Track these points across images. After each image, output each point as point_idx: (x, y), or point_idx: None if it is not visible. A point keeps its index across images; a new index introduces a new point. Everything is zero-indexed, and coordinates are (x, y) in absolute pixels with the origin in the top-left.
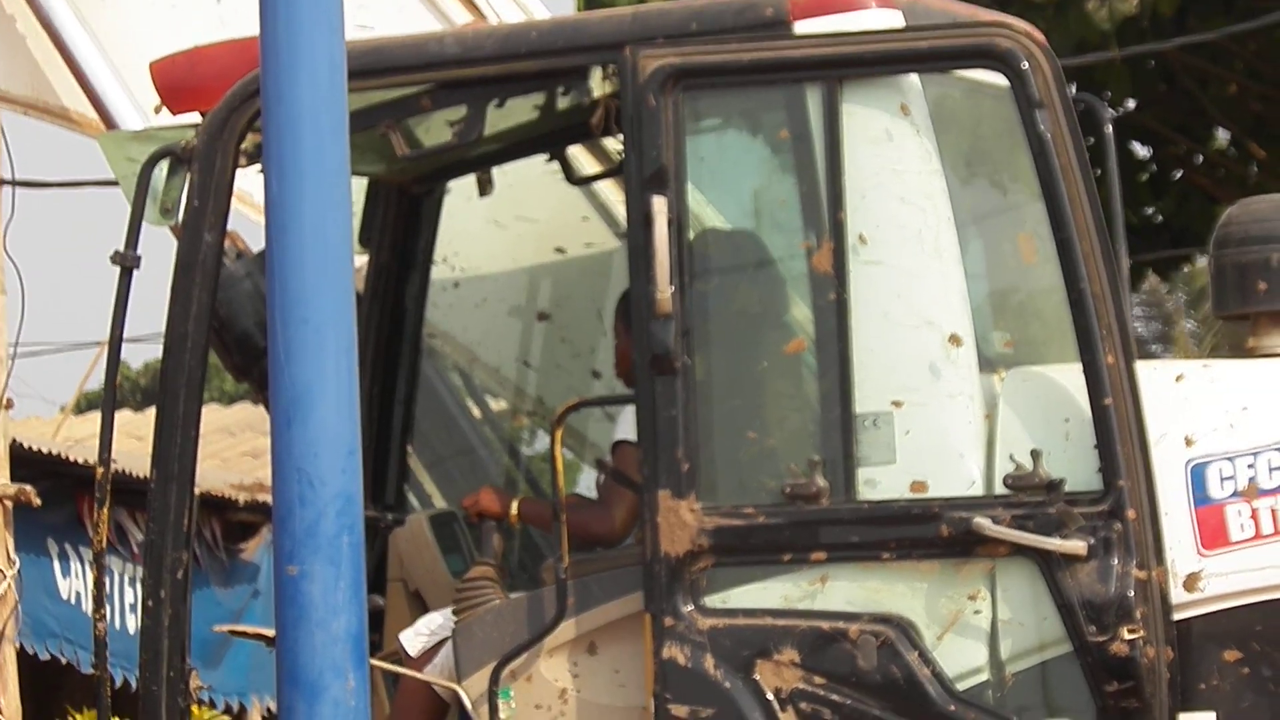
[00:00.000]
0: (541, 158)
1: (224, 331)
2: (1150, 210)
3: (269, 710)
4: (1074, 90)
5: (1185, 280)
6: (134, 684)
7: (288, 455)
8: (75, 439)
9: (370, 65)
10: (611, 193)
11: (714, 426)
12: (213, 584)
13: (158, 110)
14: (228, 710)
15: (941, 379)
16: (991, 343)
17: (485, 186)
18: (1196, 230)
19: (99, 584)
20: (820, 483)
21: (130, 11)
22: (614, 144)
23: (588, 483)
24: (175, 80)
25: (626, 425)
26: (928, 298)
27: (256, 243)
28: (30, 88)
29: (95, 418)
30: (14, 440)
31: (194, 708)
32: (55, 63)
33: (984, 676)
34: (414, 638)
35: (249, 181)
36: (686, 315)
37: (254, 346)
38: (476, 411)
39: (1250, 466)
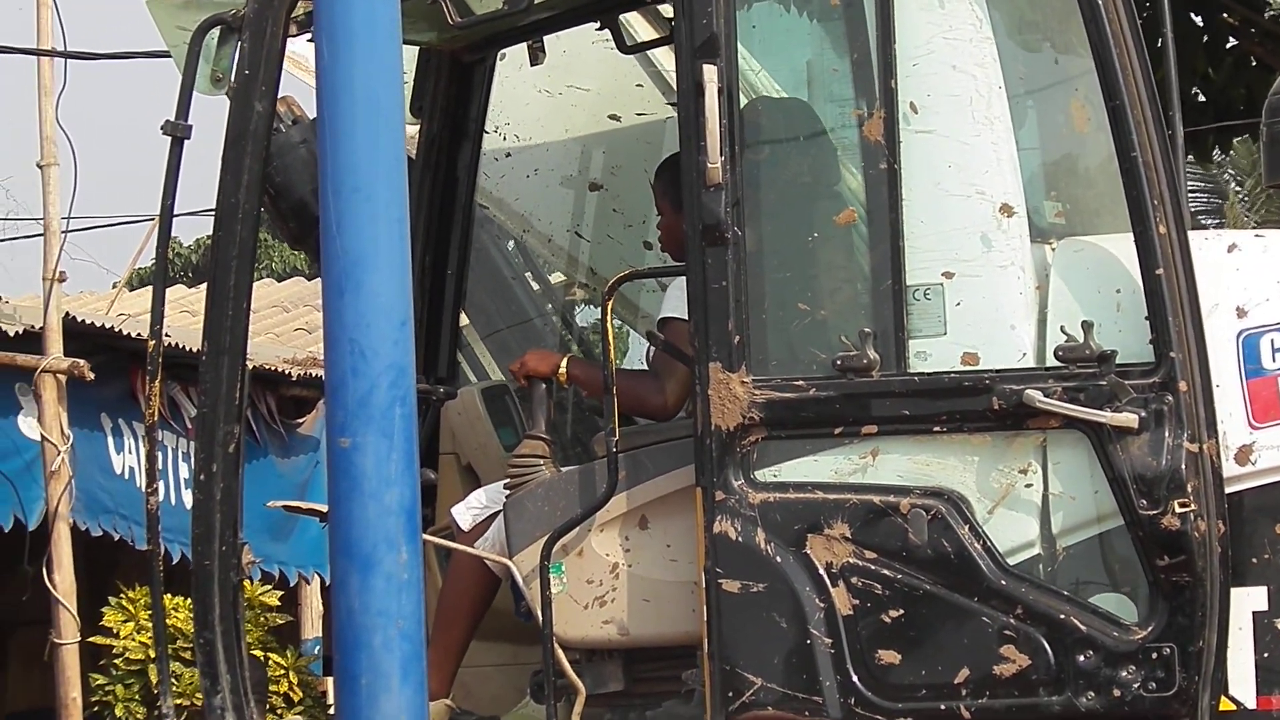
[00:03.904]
0: (593, 26)
1: (279, 199)
2: (1194, 90)
3: None
4: None
5: (1239, 150)
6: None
7: (340, 326)
8: (128, 313)
9: None
10: (666, 59)
11: (765, 298)
12: (274, 458)
13: None
14: (301, 582)
15: (993, 249)
16: (1043, 213)
17: (537, 55)
18: (1254, 99)
19: (151, 459)
20: (871, 355)
21: None
22: (669, 9)
23: (635, 355)
24: None
25: (674, 300)
26: (979, 167)
27: (313, 109)
28: None
29: (148, 292)
30: (67, 314)
31: (246, 583)
32: None
33: (1035, 550)
34: (465, 512)
35: (305, 46)
36: (737, 185)
37: (310, 214)
38: (534, 282)
39: None
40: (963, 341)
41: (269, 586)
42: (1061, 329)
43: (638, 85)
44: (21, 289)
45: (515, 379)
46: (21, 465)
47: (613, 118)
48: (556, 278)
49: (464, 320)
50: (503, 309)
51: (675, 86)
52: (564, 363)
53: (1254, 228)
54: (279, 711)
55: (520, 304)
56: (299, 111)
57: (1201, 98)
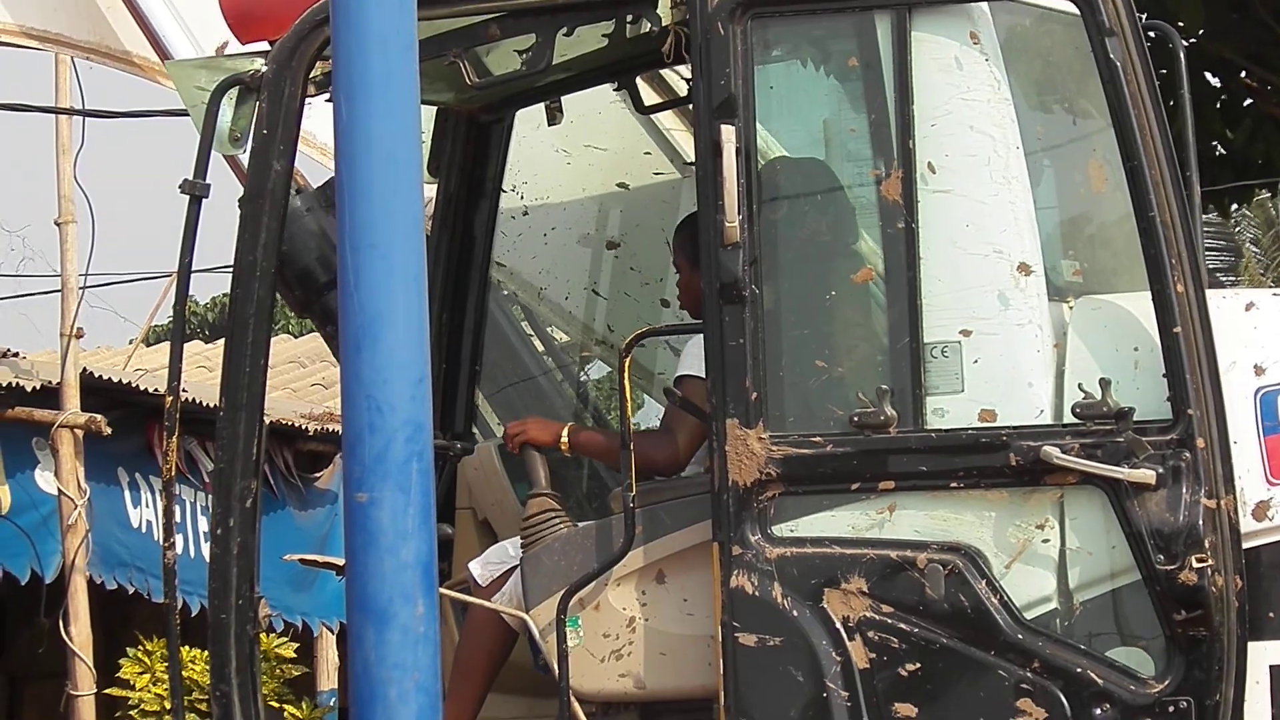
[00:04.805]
0: (609, 88)
1: (285, 267)
2: (1213, 142)
3: None
4: (1144, 19)
5: (1255, 210)
6: None
7: (357, 382)
8: (145, 369)
9: None
10: (673, 124)
11: (782, 355)
12: (292, 510)
13: (219, 52)
14: (321, 632)
15: (1010, 307)
16: (1060, 271)
17: (554, 115)
18: (1272, 159)
19: (168, 513)
20: (888, 411)
21: None
22: (674, 76)
23: (650, 411)
24: (244, 9)
25: (692, 358)
26: (996, 226)
27: (316, 179)
28: (92, 33)
29: (165, 348)
30: (85, 370)
31: (261, 634)
32: (116, 6)
33: (1052, 605)
34: (482, 567)
35: (309, 120)
36: (754, 244)
37: (315, 282)
38: (539, 345)
39: None
40: (980, 398)
41: (285, 638)
42: (1079, 386)
43: (646, 153)
44: (39, 344)
45: (509, 444)
46: (39, 519)
47: (621, 185)
48: (570, 337)
49: None
50: (507, 369)
51: (682, 152)
52: (565, 433)
53: (1271, 285)
54: None
55: (526, 366)
56: (302, 181)
57: (1221, 150)
